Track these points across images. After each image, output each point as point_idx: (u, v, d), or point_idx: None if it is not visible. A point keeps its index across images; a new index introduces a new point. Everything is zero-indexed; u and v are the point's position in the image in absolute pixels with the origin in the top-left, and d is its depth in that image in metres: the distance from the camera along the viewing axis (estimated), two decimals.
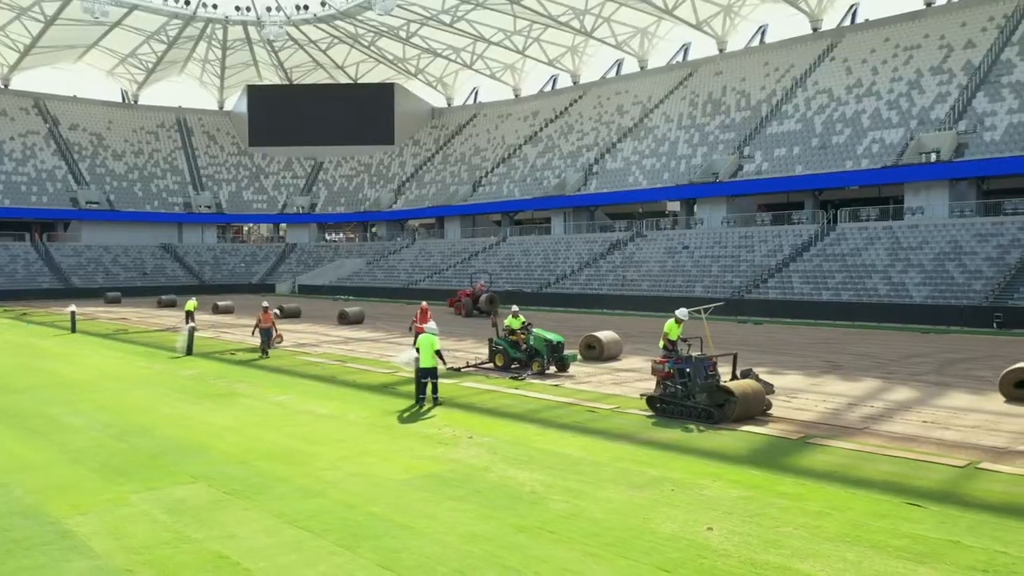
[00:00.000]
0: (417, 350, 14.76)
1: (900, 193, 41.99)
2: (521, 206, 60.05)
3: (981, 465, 10.25)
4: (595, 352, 21.05)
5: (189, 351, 23.05)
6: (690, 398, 13.17)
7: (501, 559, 7.26)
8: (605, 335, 21.37)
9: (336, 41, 76.19)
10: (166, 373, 19.76)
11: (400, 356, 16.60)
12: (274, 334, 23.29)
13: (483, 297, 37.65)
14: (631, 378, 18.09)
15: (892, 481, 9.63)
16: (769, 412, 13.39)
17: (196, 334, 23.89)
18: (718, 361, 13.94)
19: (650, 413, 13.85)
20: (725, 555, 7.31)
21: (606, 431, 12.61)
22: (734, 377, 13.99)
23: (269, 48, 76.92)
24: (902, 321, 31.05)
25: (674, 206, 55.13)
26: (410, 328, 23.22)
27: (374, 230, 76.42)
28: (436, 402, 14.72)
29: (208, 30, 73.01)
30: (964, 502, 8.80)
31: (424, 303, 23.10)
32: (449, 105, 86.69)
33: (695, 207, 50.95)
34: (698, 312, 15.89)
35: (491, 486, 9.65)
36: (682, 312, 15.70)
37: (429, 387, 14.82)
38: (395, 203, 72.57)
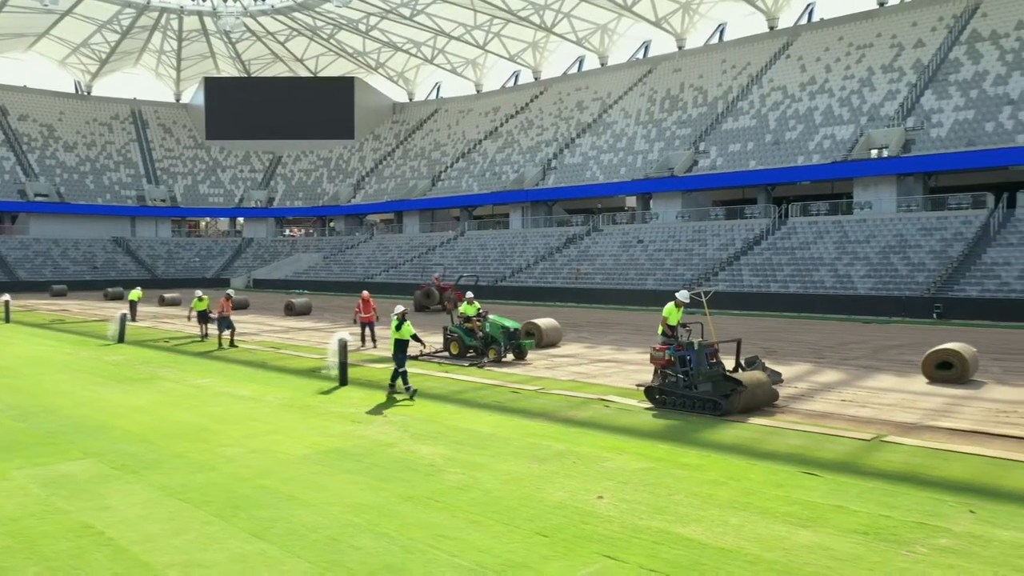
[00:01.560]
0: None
1: (851, 189, 42.46)
2: (479, 200, 59.78)
3: (887, 438, 10.26)
4: (534, 339, 20.88)
5: (120, 339, 22.49)
6: (693, 388, 12.07)
7: (378, 526, 7.06)
8: (544, 322, 21.24)
9: (295, 33, 75.31)
10: (91, 359, 19.23)
11: (329, 353, 15.92)
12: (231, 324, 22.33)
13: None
14: (565, 362, 17.99)
15: (796, 453, 9.59)
16: (777, 403, 12.40)
17: (136, 324, 23.32)
18: (719, 348, 12.91)
19: (572, 393, 13.72)
20: (608, 520, 7.17)
21: (525, 410, 12.45)
22: (738, 365, 12.94)
23: (226, 40, 75.78)
24: (847, 312, 31.37)
25: (632, 201, 55.26)
26: (355, 320, 22.72)
27: (332, 225, 75.64)
28: (409, 391, 13.62)
29: (163, 20, 71.69)
30: (861, 471, 8.77)
31: (365, 292, 22.74)
32: (411, 100, 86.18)
33: (651, 202, 51.12)
34: (699, 296, 14.61)
35: (391, 460, 9.43)
36: (683, 294, 14.05)
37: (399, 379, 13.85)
38: (354, 198, 71.91)
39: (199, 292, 23.71)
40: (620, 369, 16.89)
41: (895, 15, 53.23)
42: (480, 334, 18.53)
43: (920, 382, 14.92)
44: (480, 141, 69.41)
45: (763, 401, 12.16)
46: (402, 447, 10.05)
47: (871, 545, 6.52)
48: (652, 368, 15.55)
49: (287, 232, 78.00)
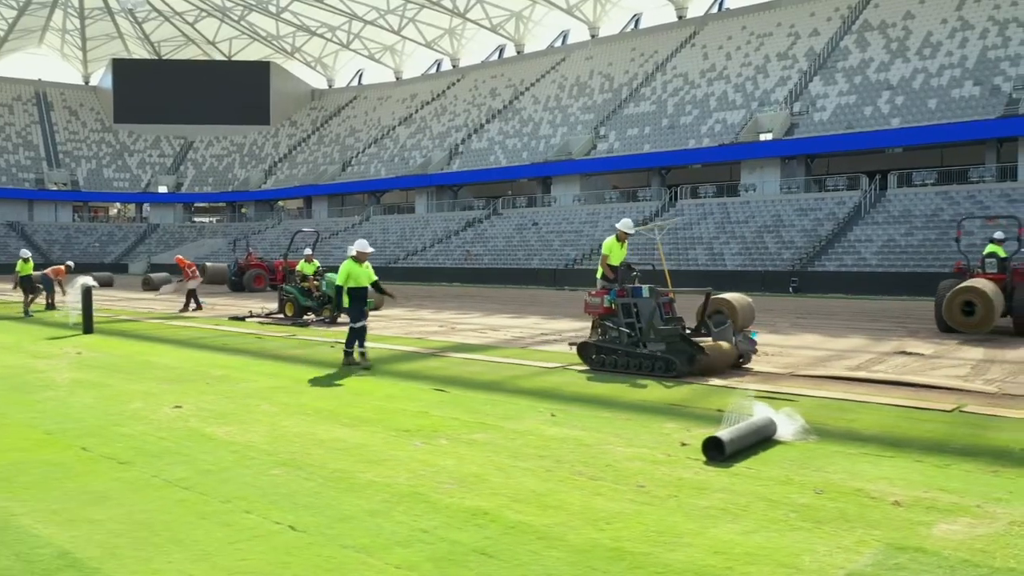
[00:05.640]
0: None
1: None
2: (386, 185, 58.93)
3: (571, 367, 9.83)
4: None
5: None
6: (640, 345, 9.37)
7: None
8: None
9: (204, 14, 73.30)
10: None
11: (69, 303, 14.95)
12: (55, 289, 21.18)
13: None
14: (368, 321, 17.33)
15: (464, 378, 9.09)
16: (745, 365, 9.93)
17: None
18: (675, 298, 10.48)
19: (315, 339, 13.11)
20: (146, 423, 6.58)
21: (243, 350, 11.82)
22: (702, 323, 10.04)
23: (132, 19, 73.42)
24: (712, 287, 31.34)
25: (535, 185, 54.97)
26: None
27: (244, 211, 73.89)
28: (363, 358, 10.26)
29: None
30: (497, 389, 8.33)
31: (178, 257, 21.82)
32: (330, 87, 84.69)
33: (552, 186, 50.88)
34: (651, 230, 12.20)
35: (14, 383, 8.71)
36: (626, 223, 11.20)
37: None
38: (265, 183, 70.36)
39: (26, 252, 21.74)
40: (408, 325, 16.34)
41: (795, 5, 53.80)
42: (317, 294, 17.42)
43: None
44: (394, 127, 68.47)
45: (724, 363, 9.58)
46: (48, 374, 9.33)
47: (394, 440, 6.03)
48: (447, 324, 14.98)
49: (197, 218, 75.95)
